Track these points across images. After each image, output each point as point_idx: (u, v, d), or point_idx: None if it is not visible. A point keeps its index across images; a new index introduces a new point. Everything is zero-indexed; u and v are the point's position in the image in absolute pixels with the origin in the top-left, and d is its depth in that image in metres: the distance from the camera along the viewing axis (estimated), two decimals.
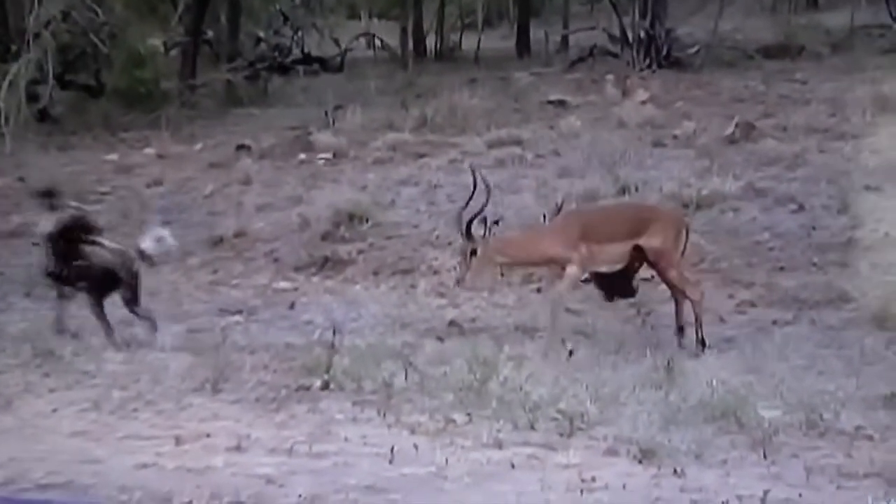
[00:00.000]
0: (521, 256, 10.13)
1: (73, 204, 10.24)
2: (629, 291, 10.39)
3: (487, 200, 9.86)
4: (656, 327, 10.29)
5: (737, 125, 15.53)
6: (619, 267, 10.08)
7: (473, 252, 9.78)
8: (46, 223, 9.87)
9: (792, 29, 23.28)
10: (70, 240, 9.90)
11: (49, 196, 10.22)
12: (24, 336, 10.01)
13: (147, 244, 9.90)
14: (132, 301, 10.22)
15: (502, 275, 11.98)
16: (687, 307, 10.03)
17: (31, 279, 12.25)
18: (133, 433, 7.77)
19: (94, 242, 10.07)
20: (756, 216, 12.53)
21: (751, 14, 24.58)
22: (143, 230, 10.01)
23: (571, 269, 9.93)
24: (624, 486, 6.59)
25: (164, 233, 10.06)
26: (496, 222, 9.85)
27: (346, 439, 7.54)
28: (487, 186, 9.88)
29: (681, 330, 9.98)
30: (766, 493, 6.32)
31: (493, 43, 26.02)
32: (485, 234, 9.76)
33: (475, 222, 9.74)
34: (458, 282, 10.15)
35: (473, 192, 9.87)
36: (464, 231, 9.76)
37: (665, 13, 22.65)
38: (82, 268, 9.99)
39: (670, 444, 7.13)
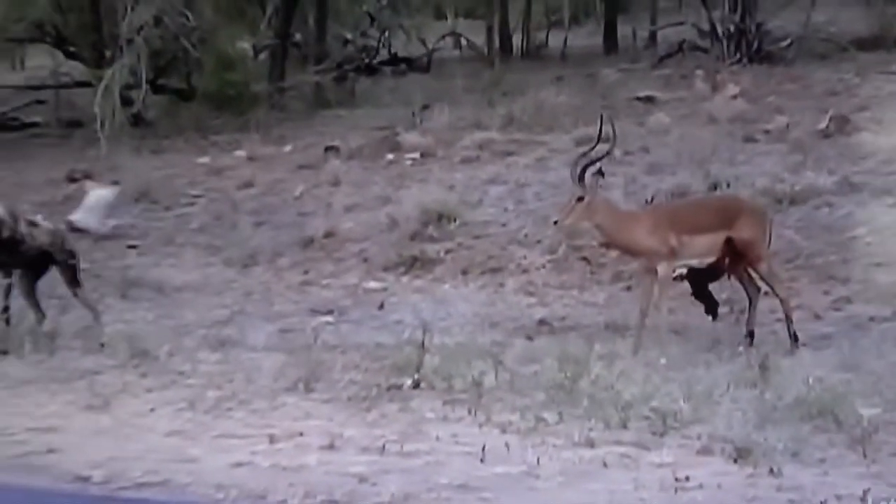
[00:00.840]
0: (612, 230, 10.04)
1: None
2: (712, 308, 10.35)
3: (609, 151, 9.97)
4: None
5: (831, 119, 15.40)
6: (709, 260, 10.01)
7: (580, 199, 9.75)
8: None
9: (887, 19, 22.97)
10: None
11: None
12: (121, 337, 10.11)
13: (78, 216, 9.88)
14: (73, 283, 10.39)
15: (592, 272, 11.99)
16: (766, 307, 10.01)
17: (126, 281, 12.40)
18: (228, 432, 7.85)
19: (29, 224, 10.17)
20: (851, 211, 12.41)
21: (845, 5, 24.32)
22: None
23: (662, 269, 9.87)
24: (719, 486, 6.57)
25: (103, 192, 10.07)
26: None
27: (437, 438, 7.55)
28: (614, 136, 9.97)
29: (751, 335, 9.93)
30: (865, 492, 6.27)
31: (580, 40, 25.97)
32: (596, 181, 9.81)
33: (590, 171, 9.75)
34: (556, 222, 10.15)
35: (598, 140, 9.95)
36: (577, 175, 9.74)
37: (756, 6, 22.45)
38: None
39: (766, 442, 7.09)
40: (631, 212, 10.50)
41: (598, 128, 9.97)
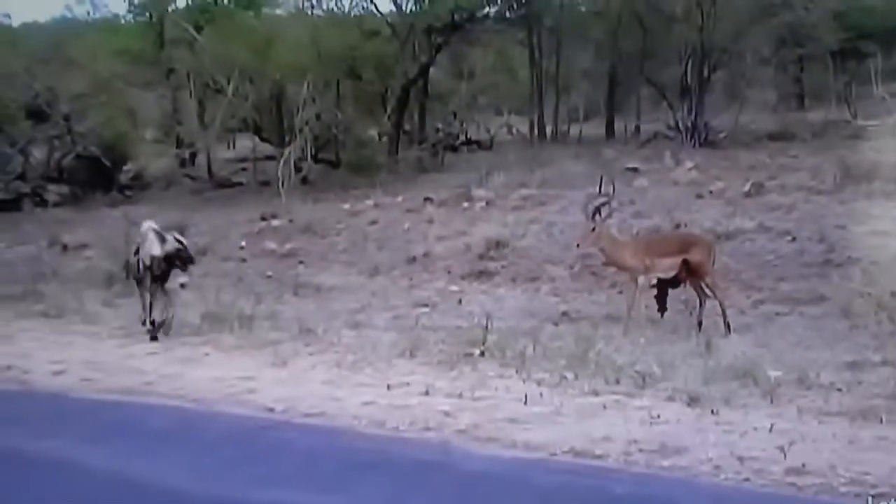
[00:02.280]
0: (609, 252, 10.03)
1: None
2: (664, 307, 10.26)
3: (610, 199, 10.02)
4: (707, 316, 10.03)
5: (751, 185, 15.23)
6: (672, 274, 9.97)
7: (592, 229, 9.83)
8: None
9: (787, 121, 22.84)
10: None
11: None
12: (294, 319, 10.24)
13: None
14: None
15: (597, 281, 11.94)
16: (710, 306, 9.93)
17: (297, 284, 12.53)
18: (360, 382, 7.96)
19: None
20: (765, 244, 12.28)
21: (761, 111, 24.14)
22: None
23: (640, 280, 9.89)
24: (678, 421, 6.58)
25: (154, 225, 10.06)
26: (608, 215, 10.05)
27: (495, 389, 7.63)
28: (613, 190, 10.15)
29: (700, 324, 9.83)
30: (772, 425, 6.25)
31: (590, 130, 25.83)
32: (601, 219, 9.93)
33: (600, 211, 9.91)
34: (578, 245, 10.31)
35: (599, 191, 10.13)
36: (590, 214, 9.84)
37: (703, 110, 22.37)
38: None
39: (709, 393, 7.09)
40: (623, 240, 10.43)
41: (599, 186, 10.00)
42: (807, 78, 27.63)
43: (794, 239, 12.38)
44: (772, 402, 6.94)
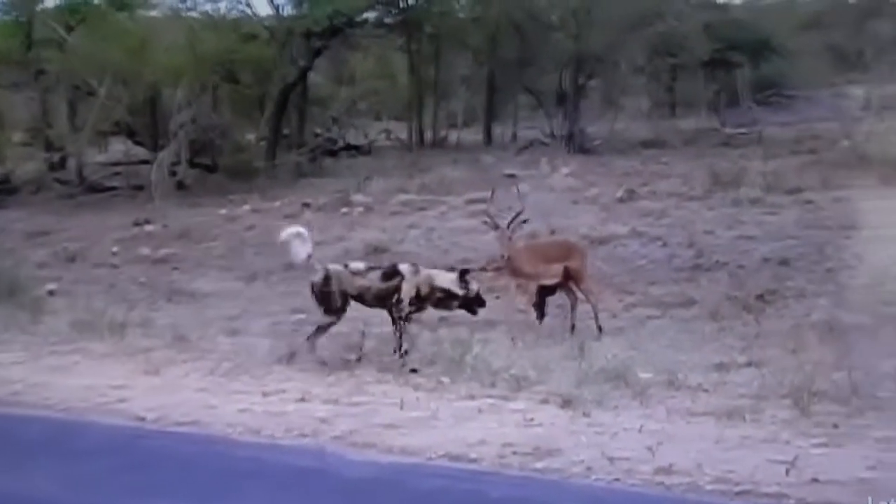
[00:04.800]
0: (515, 260, 10.10)
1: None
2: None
3: (521, 211, 10.12)
4: (579, 319, 10.17)
5: (625, 191, 15.61)
6: (556, 280, 10.11)
7: (509, 238, 9.96)
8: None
9: (660, 129, 23.44)
10: None
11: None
12: (168, 327, 10.06)
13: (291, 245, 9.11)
14: None
15: None
16: (583, 309, 10.10)
17: (171, 290, 12.29)
18: (236, 390, 7.86)
19: None
20: (637, 249, 12.59)
21: (635, 119, 24.71)
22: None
23: (532, 286, 10.04)
24: (552, 423, 6.65)
25: (303, 231, 9.08)
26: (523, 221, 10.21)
27: (372, 394, 7.60)
28: (522, 204, 10.28)
29: (573, 327, 10.00)
30: (641, 426, 6.38)
31: (468, 136, 26.09)
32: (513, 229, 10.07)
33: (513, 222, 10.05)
34: (502, 256, 10.23)
35: (491, 196, 10.65)
36: (507, 225, 9.97)
37: (579, 118, 22.80)
38: None
39: (582, 396, 7.18)
40: (521, 248, 10.46)
41: (518, 195, 10.12)
42: (679, 87, 28.43)
43: (665, 244, 12.71)
44: (642, 403, 7.09)
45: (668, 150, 20.92)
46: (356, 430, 6.68)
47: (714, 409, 6.86)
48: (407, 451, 6.31)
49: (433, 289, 8.80)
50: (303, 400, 7.41)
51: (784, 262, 11.70)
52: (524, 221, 10.17)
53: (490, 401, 7.25)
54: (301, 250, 8.82)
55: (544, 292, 10.28)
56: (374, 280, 8.76)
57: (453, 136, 26.15)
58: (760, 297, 10.50)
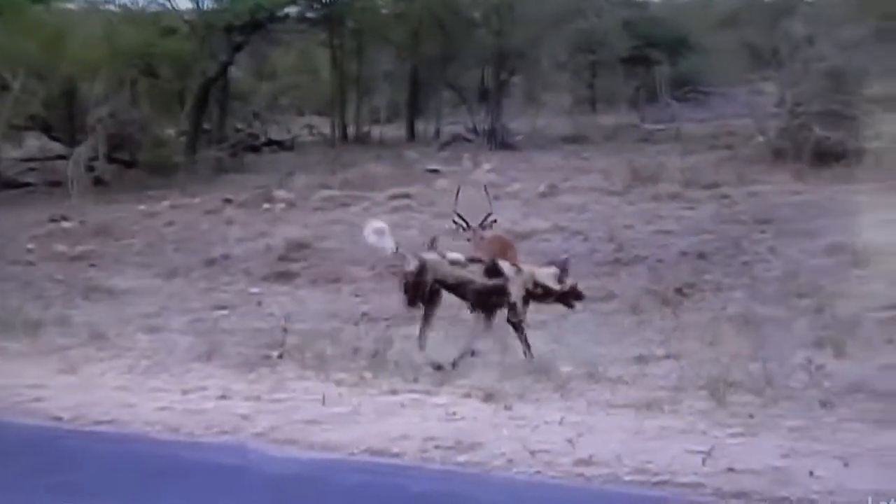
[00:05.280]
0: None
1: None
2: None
3: (490, 213, 9.98)
4: (500, 315, 10.16)
5: (546, 186, 15.73)
6: None
7: (481, 238, 9.75)
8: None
9: (580, 125, 23.67)
10: None
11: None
12: (85, 324, 9.90)
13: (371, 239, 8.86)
14: None
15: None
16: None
17: (88, 287, 12.05)
18: (155, 387, 7.77)
19: None
20: (559, 244, 12.67)
21: (556, 115, 24.90)
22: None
23: None
24: (474, 417, 6.67)
25: (382, 225, 8.71)
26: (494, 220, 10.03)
27: (294, 390, 7.56)
28: (490, 203, 10.10)
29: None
30: (562, 418, 6.44)
31: (392, 132, 26.06)
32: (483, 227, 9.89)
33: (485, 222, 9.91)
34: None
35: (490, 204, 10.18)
36: (480, 224, 9.78)
37: (501, 114, 22.94)
38: None
39: (504, 389, 7.22)
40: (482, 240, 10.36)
41: (487, 195, 9.88)
42: (599, 83, 28.75)
43: (585, 238, 12.82)
44: (563, 396, 7.15)
45: (588, 146, 21.14)
46: (277, 427, 6.64)
47: (633, 401, 6.93)
48: (329, 447, 6.29)
49: (535, 285, 8.38)
50: (223, 397, 7.34)
51: (701, 256, 11.87)
52: (494, 221, 10.06)
53: (413, 395, 7.25)
54: (386, 243, 8.50)
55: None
56: (476, 273, 8.33)
57: (376, 131, 26.11)
58: (679, 290, 10.63)
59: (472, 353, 8.30)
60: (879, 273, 10.40)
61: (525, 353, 8.14)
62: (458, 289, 8.35)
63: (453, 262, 8.33)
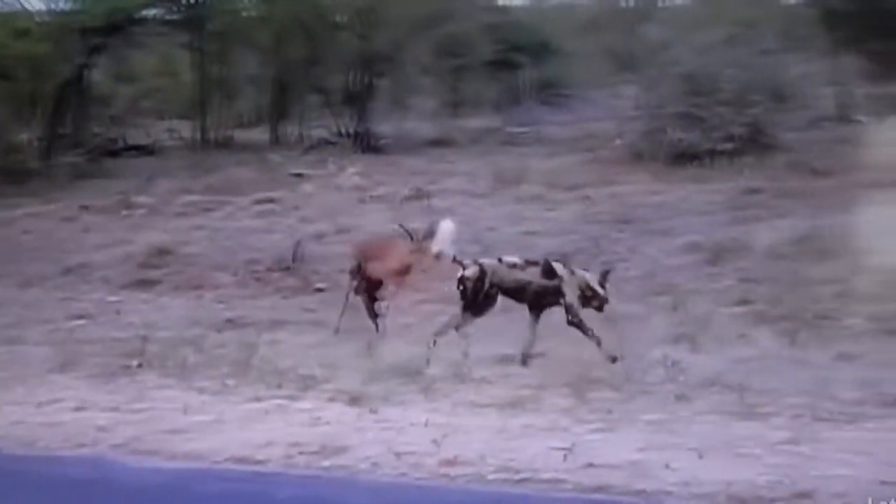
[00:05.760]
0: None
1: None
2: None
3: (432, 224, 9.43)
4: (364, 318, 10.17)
5: (412, 189, 15.79)
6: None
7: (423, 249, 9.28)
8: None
9: (446, 128, 23.79)
10: None
11: None
12: None
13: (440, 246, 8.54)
14: None
15: (262, 287, 11.87)
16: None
17: None
18: (10, 401, 7.56)
19: None
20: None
21: (422, 118, 24.94)
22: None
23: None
24: (339, 421, 6.69)
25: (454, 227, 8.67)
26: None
27: (155, 399, 7.42)
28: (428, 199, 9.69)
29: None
30: (427, 420, 6.49)
31: (256, 136, 25.62)
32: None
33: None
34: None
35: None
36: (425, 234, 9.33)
37: (367, 117, 22.92)
38: None
39: (370, 392, 7.24)
40: None
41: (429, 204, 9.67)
42: (464, 87, 28.90)
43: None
44: (428, 397, 7.20)
45: (454, 149, 21.27)
46: (138, 437, 6.51)
47: (498, 401, 7.04)
48: (192, 456, 6.21)
49: (588, 288, 8.36)
50: (81, 408, 7.16)
51: (564, 256, 12.07)
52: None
53: (277, 401, 7.22)
54: (447, 246, 8.47)
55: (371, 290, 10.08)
56: (534, 275, 8.31)
57: (240, 135, 25.69)
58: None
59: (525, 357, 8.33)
60: (731, 270, 10.80)
61: (599, 345, 8.14)
62: (517, 292, 8.39)
63: (511, 266, 8.37)
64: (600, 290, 8.42)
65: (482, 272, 8.34)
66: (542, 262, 8.48)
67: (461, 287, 8.43)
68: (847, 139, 18.72)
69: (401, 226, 9.50)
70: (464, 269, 8.37)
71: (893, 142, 18.06)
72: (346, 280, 11.23)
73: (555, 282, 8.34)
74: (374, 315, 9.81)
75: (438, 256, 8.55)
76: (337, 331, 9.60)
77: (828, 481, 5.36)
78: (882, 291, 9.64)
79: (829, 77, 20.66)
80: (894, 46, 21.91)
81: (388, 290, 9.84)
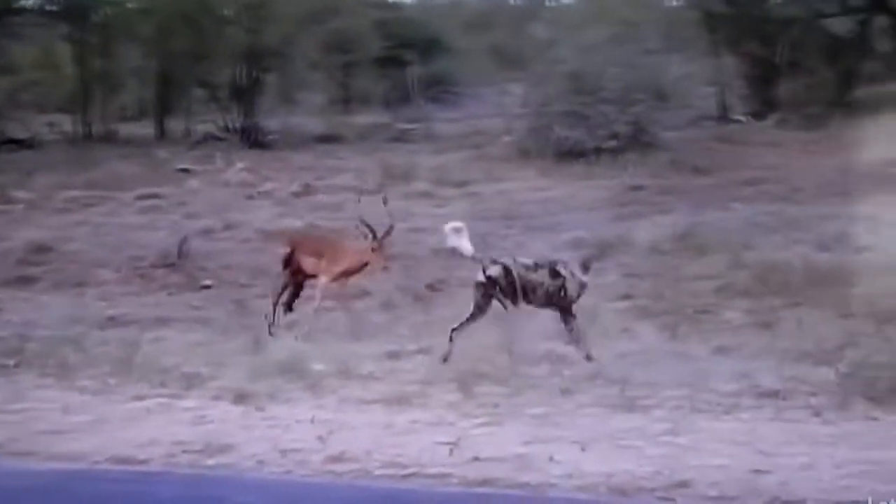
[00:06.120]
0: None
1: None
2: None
3: (392, 226, 9.39)
4: (256, 315, 10.04)
5: (300, 185, 15.72)
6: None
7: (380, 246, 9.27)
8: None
9: (335, 124, 23.74)
10: None
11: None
12: None
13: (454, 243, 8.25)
14: None
15: (147, 284, 11.66)
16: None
17: None
18: None
19: None
20: None
21: (310, 114, 24.83)
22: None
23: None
24: (224, 419, 6.63)
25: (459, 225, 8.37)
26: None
27: (34, 400, 7.24)
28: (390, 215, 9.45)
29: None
30: (313, 417, 6.48)
31: (141, 130, 25.12)
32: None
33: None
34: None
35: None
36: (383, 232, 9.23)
37: (255, 112, 22.72)
38: None
39: (256, 390, 7.19)
40: None
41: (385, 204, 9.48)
42: (353, 83, 28.91)
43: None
44: (315, 394, 7.18)
45: (343, 145, 21.24)
46: (15, 439, 6.35)
47: (385, 397, 7.06)
48: (71, 457, 6.08)
49: (582, 287, 8.23)
50: None
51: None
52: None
53: (160, 400, 7.11)
54: (464, 244, 8.18)
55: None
56: (545, 276, 8.12)
57: (124, 129, 25.16)
58: (430, 286, 10.85)
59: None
60: (615, 266, 11.00)
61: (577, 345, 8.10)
62: (530, 292, 8.21)
63: (526, 268, 8.23)
64: (585, 280, 8.35)
65: (507, 270, 8.20)
66: (548, 264, 8.37)
67: (485, 285, 8.21)
68: (727, 138, 19.34)
69: (362, 222, 9.28)
70: (484, 268, 8.23)
71: (771, 140, 18.75)
72: (232, 276, 11.17)
73: (559, 281, 8.24)
74: (288, 308, 9.73)
75: (456, 254, 8.37)
76: (271, 328, 9.42)
77: (705, 471, 5.52)
78: (758, 286, 9.99)
79: (709, 77, 21.22)
80: (769, 50, 22.71)
81: (328, 286, 9.63)
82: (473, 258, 8.26)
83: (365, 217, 9.19)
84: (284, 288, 9.73)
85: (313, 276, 9.67)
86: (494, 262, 8.24)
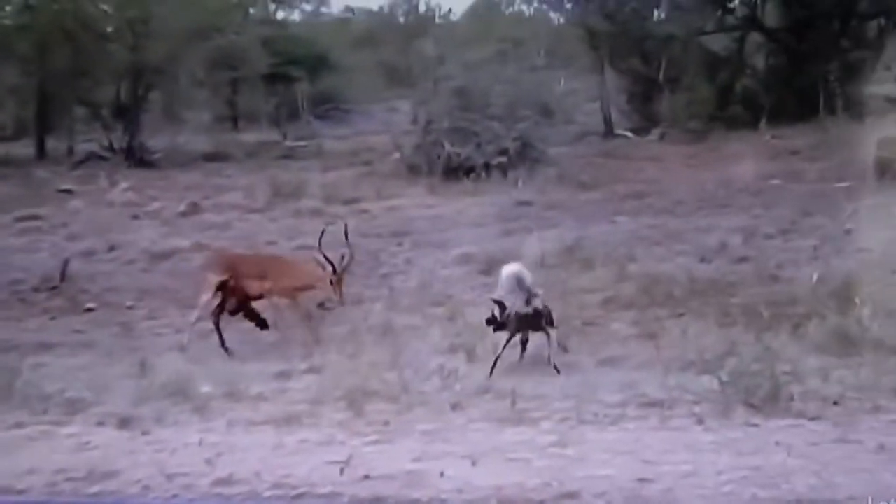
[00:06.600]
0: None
1: None
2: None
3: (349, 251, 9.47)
4: (142, 338, 9.84)
5: (187, 204, 15.52)
6: None
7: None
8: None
9: (222, 142, 23.53)
10: None
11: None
12: None
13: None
14: None
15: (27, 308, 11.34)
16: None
17: None
18: None
19: None
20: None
21: (196, 132, 24.52)
22: None
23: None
24: (108, 445, 6.52)
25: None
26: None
27: None
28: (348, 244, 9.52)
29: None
30: (201, 440, 6.39)
31: (19, 150, 24.45)
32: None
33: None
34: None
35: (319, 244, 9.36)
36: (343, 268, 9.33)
37: (139, 131, 22.34)
38: None
39: (141, 414, 7.06)
40: None
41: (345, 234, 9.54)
42: (240, 100, 28.69)
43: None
44: (202, 417, 7.06)
45: (230, 163, 21.04)
46: None
47: (274, 417, 6.98)
48: None
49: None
50: None
51: None
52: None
53: (42, 427, 6.90)
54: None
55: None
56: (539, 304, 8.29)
57: (2, 149, 24.44)
58: (321, 304, 10.76)
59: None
60: None
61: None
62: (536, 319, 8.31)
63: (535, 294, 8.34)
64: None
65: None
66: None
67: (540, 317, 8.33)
68: (611, 153, 19.73)
69: (321, 253, 9.33)
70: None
71: (654, 155, 19.20)
72: (117, 298, 10.95)
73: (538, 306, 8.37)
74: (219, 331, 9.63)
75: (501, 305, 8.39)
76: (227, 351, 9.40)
77: (592, 481, 5.59)
78: (643, 298, 10.20)
79: (593, 94, 21.65)
80: (651, 66, 23.26)
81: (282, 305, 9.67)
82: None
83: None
84: (221, 309, 9.65)
85: (258, 298, 9.65)
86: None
